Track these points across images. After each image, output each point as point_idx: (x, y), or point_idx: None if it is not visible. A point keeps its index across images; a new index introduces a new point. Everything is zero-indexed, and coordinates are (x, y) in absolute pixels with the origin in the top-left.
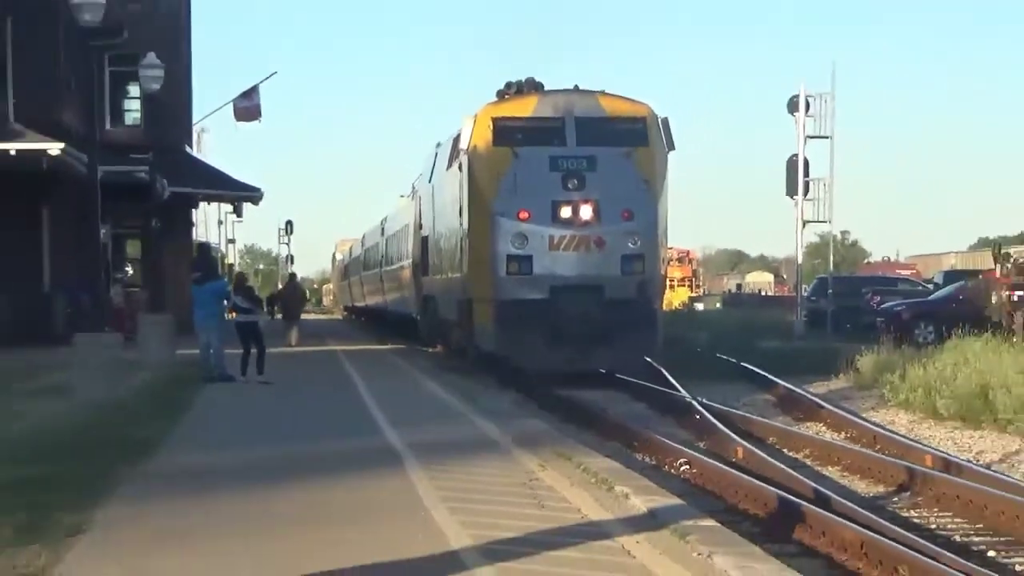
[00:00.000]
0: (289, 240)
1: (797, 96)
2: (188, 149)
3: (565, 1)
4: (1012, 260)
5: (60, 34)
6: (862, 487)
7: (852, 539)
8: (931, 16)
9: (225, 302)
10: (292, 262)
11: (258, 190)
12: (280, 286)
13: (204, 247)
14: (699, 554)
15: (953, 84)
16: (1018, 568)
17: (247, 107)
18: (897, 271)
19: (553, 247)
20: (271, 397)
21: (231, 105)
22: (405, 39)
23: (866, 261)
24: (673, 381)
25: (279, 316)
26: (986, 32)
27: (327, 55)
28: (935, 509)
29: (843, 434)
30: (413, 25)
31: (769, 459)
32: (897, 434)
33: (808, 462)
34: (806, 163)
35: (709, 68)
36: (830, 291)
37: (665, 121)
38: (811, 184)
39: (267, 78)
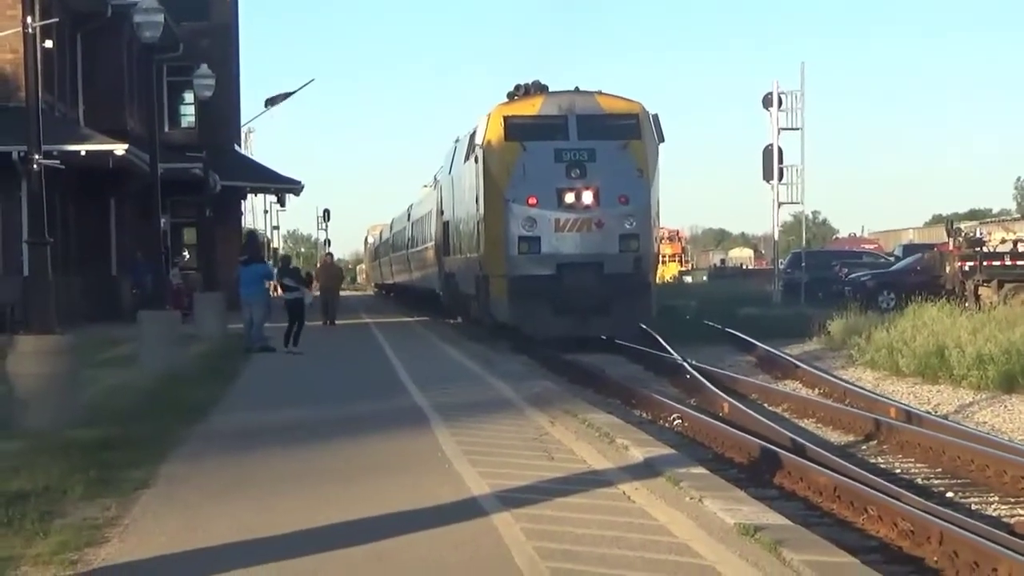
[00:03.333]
0: (327, 226)
1: (771, 93)
2: (237, 147)
3: (572, 13)
4: (963, 234)
5: (123, 49)
6: (834, 437)
7: (826, 483)
8: (886, 22)
9: (267, 281)
10: (329, 245)
11: (299, 183)
12: (318, 265)
13: (252, 234)
14: (691, 498)
15: (908, 80)
16: (973, 507)
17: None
18: (862, 245)
19: (559, 229)
20: (311, 364)
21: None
22: (429, 46)
23: (834, 237)
24: (666, 345)
25: (317, 293)
26: (936, 35)
27: (359, 61)
28: (899, 456)
29: (817, 390)
30: (435, 34)
31: (752, 413)
32: (864, 389)
33: (786, 415)
34: (780, 152)
35: (695, 70)
36: (803, 264)
37: (656, 117)
38: (785, 170)
39: (306, 84)
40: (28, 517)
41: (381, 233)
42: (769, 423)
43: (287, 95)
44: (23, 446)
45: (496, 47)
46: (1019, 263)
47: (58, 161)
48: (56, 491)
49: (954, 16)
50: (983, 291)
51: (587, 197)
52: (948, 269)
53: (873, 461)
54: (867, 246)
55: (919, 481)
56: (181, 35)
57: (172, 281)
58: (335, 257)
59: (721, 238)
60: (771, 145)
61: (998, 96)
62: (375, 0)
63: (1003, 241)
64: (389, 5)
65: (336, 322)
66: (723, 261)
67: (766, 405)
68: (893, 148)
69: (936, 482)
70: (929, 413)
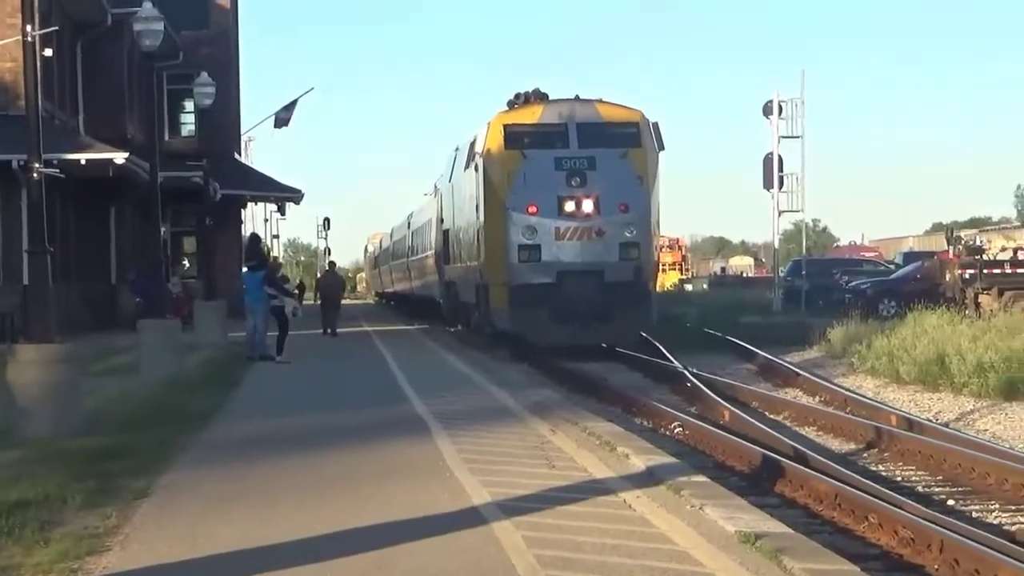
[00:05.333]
0: (327, 234)
1: (771, 101)
2: (237, 156)
3: (569, 22)
4: (963, 242)
5: (124, 57)
6: (835, 445)
7: (827, 491)
8: (887, 30)
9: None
10: (329, 254)
11: (299, 191)
12: (319, 275)
13: (255, 238)
14: (692, 506)
15: (909, 88)
16: (974, 515)
17: (284, 117)
18: (862, 253)
19: (559, 237)
20: (312, 372)
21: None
22: (428, 54)
23: (835, 245)
24: (666, 353)
25: (312, 302)
26: (937, 42)
27: (359, 68)
28: (900, 463)
29: (817, 398)
30: (436, 42)
31: (752, 421)
32: (865, 397)
33: (787, 423)
34: (780, 160)
35: (695, 78)
36: (804, 272)
37: (655, 125)
38: (785, 178)
39: (305, 93)
40: (28, 526)
41: (381, 242)
42: (770, 431)
43: (289, 112)
44: (23, 455)
45: (497, 55)
46: (1019, 271)
47: (58, 170)
48: (56, 500)
49: (955, 22)
50: (983, 299)
51: (587, 205)
52: (948, 277)
53: (874, 469)
54: (867, 254)
55: (920, 489)
56: (181, 43)
57: (172, 289)
58: (336, 266)
59: (721, 246)
60: (771, 153)
61: (998, 103)
62: (375, 8)
63: (1003, 249)
64: (390, 13)
65: (336, 332)
66: (723, 269)
67: (767, 413)
68: (893, 156)
69: (937, 490)
70: (930, 421)
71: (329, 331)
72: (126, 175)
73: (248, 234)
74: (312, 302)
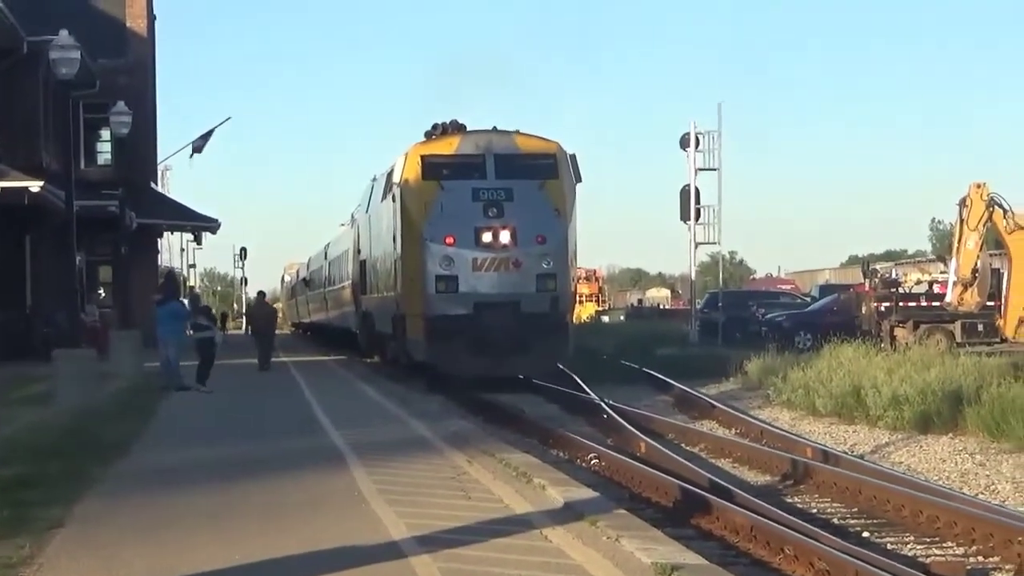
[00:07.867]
0: (243, 264)
1: (688, 134)
2: (153, 185)
3: (488, 53)
4: (879, 275)
5: (40, 86)
6: (751, 477)
7: (743, 523)
8: (803, 64)
9: (184, 321)
10: (246, 284)
11: (216, 221)
12: (251, 306)
13: (170, 273)
14: (608, 538)
15: (825, 121)
16: (889, 546)
17: (199, 145)
18: (779, 286)
19: (476, 268)
20: (228, 402)
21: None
22: (343, 86)
23: (751, 277)
24: (583, 385)
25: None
26: (853, 78)
27: (275, 99)
28: (816, 495)
29: (734, 430)
30: (353, 73)
31: (669, 453)
32: (781, 429)
33: (703, 455)
34: (697, 192)
35: (613, 110)
36: (720, 304)
37: (573, 157)
38: (702, 210)
39: (222, 123)
40: None
41: (298, 272)
42: (686, 463)
43: (205, 138)
44: None
45: (414, 85)
46: (934, 304)
47: None
48: None
49: (869, 59)
50: (899, 332)
51: (504, 236)
52: (864, 310)
53: (790, 501)
54: (784, 286)
55: (836, 521)
56: (98, 72)
57: (87, 319)
58: (266, 296)
59: (638, 278)
60: (688, 185)
61: (914, 137)
62: (293, 40)
63: (918, 282)
64: (308, 46)
65: (270, 366)
66: (640, 301)
67: (683, 445)
68: (810, 189)
69: (852, 522)
70: (846, 453)
71: (264, 365)
72: (42, 204)
73: (164, 267)
74: (239, 331)
